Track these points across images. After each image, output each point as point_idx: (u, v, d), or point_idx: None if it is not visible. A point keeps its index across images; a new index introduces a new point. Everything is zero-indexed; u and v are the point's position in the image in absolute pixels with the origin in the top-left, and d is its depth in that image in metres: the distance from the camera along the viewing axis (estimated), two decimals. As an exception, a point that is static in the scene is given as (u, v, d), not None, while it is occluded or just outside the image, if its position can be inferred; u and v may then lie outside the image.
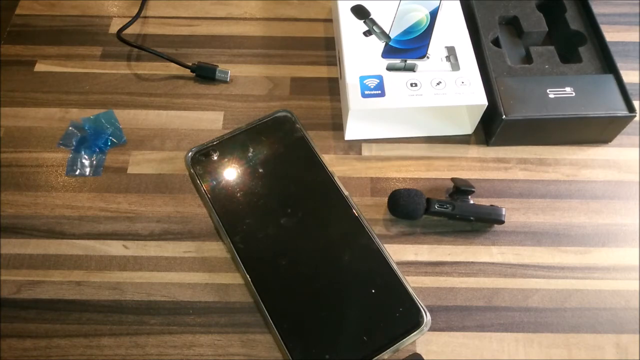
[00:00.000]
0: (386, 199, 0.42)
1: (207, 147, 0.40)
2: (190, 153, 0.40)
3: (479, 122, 0.45)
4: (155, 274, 0.40)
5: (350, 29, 0.46)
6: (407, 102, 0.42)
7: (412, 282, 0.37)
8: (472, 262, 0.40)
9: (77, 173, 0.44)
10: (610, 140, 0.46)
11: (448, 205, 0.40)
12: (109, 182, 0.44)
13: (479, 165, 0.45)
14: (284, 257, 0.37)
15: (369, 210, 0.42)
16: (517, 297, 0.39)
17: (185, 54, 0.51)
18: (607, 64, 0.46)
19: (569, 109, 0.43)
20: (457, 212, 0.40)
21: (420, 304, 0.35)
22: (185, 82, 0.49)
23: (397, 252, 0.40)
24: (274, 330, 0.34)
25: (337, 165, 0.45)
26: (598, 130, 0.45)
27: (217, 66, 0.49)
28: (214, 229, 0.41)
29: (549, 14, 0.50)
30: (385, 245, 0.38)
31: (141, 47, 0.50)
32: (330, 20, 0.54)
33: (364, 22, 0.47)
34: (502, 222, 0.41)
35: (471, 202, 0.41)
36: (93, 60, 0.50)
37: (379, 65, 0.44)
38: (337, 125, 0.47)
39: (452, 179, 0.42)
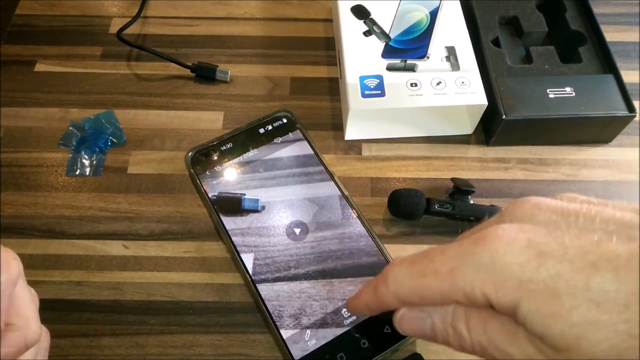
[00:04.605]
0: (386, 199, 0.42)
1: (207, 147, 0.40)
2: (190, 153, 0.40)
3: (479, 122, 0.45)
4: (155, 274, 0.40)
5: (350, 29, 0.46)
6: (407, 102, 0.42)
7: (412, 282, 0.37)
8: (472, 262, 0.40)
9: (77, 173, 0.44)
10: (610, 140, 0.46)
11: (448, 205, 0.40)
12: (109, 182, 0.44)
13: (479, 165, 0.45)
14: (285, 257, 0.37)
15: (369, 210, 0.42)
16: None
17: (185, 54, 0.51)
18: (607, 64, 0.46)
19: (569, 109, 0.43)
20: (457, 212, 0.40)
21: (420, 304, 0.35)
22: (185, 82, 0.49)
23: (397, 252, 0.40)
24: (274, 330, 0.34)
25: (337, 165, 0.45)
26: (598, 130, 0.45)
27: (217, 66, 0.49)
28: (214, 229, 0.41)
29: (549, 14, 0.50)
30: (385, 245, 0.38)
31: (141, 47, 0.50)
32: (330, 20, 0.54)
33: (364, 22, 0.47)
34: (502, 222, 0.41)
35: (471, 202, 0.41)
36: (93, 60, 0.50)
37: (379, 65, 0.44)
38: (337, 125, 0.47)
39: (452, 179, 0.42)
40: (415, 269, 0.20)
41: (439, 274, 0.19)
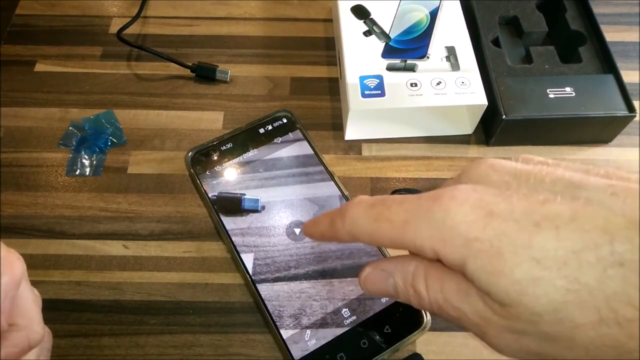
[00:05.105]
0: (386, 199, 0.42)
1: (207, 147, 0.40)
2: (190, 153, 0.40)
3: (479, 122, 0.45)
4: (155, 274, 0.40)
5: (350, 29, 0.46)
6: (407, 102, 0.42)
7: (412, 282, 0.37)
8: (472, 262, 0.40)
9: (77, 173, 0.44)
10: (610, 140, 0.46)
11: (448, 205, 0.40)
12: (109, 182, 0.44)
13: (479, 165, 0.45)
14: (284, 257, 0.37)
15: (369, 210, 0.42)
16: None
17: (185, 54, 0.51)
18: (607, 64, 0.46)
19: (569, 109, 0.43)
20: (457, 212, 0.40)
21: (420, 304, 0.35)
22: (185, 82, 0.49)
23: (397, 252, 0.40)
24: (274, 330, 0.34)
25: (337, 165, 0.45)
26: (598, 130, 0.45)
27: (217, 66, 0.49)
28: (214, 229, 0.41)
29: (549, 14, 0.50)
30: (385, 245, 0.38)
31: (141, 47, 0.50)
32: (330, 20, 0.54)
33: (364, 22, 0.47)
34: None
35: (471, 202, 0.41)
36: (93, 60, 0.50)
37: (379, 65, 0.44)
38: (337, 125, 0.47)
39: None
40: (372, 212, 0.21)
41: (393, 223, 0.20)
